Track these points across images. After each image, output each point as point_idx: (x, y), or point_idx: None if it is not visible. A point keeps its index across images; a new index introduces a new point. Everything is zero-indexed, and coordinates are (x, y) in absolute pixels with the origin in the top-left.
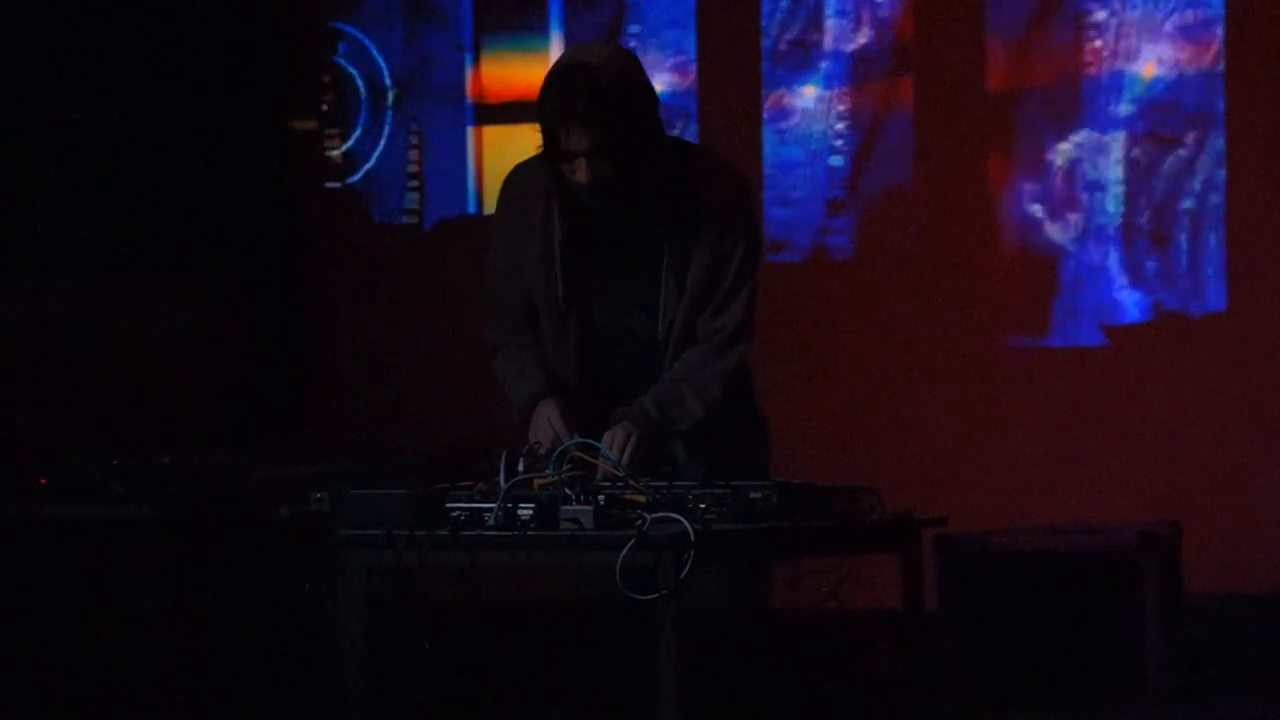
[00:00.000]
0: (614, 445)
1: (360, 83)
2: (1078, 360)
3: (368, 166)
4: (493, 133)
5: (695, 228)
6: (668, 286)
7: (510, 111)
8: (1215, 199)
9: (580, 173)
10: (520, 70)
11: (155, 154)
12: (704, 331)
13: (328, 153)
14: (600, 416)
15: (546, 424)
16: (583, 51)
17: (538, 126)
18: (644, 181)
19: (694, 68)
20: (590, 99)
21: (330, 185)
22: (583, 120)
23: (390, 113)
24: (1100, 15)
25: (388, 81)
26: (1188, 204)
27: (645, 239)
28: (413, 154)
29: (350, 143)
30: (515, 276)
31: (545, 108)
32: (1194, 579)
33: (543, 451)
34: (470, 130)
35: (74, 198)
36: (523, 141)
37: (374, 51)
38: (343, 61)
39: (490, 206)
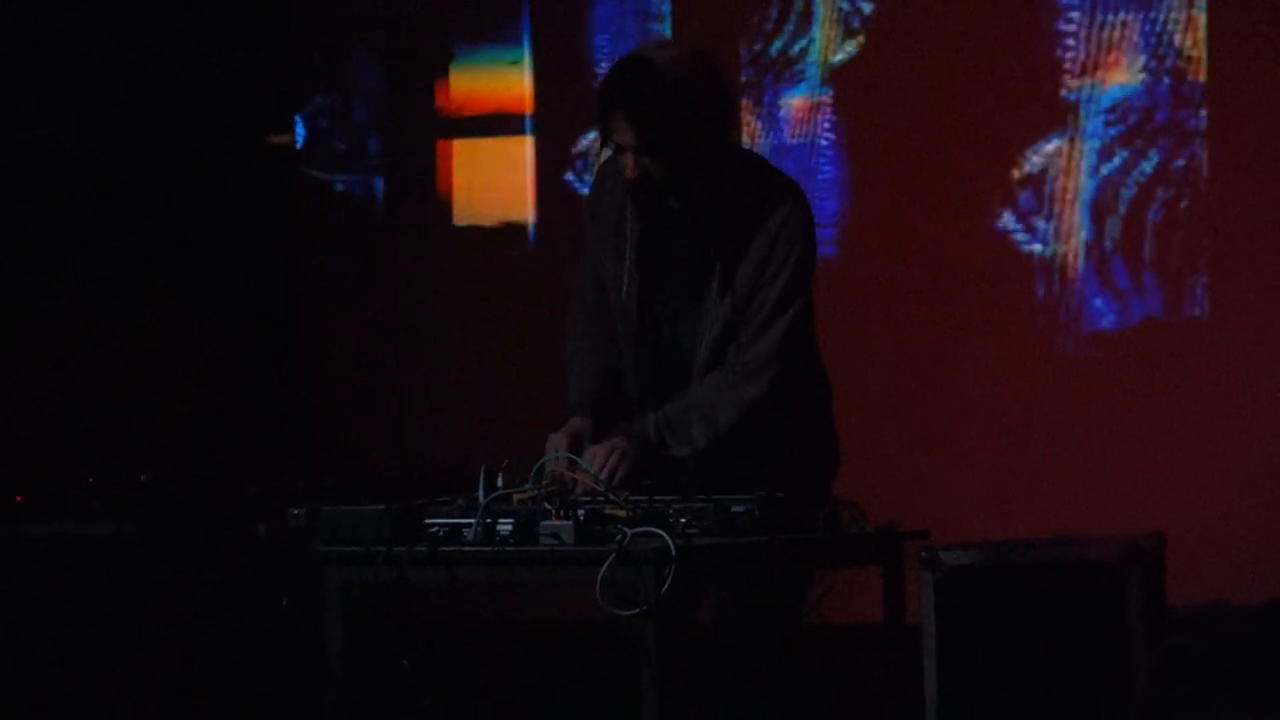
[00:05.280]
0: (595, 460)
1: (333, 97)
2: (1058, 370)
3: (341, 179)
4: (462, 146)
5: (746, 246)
6: (711, 302)
7: (480, 125)
8: (1196, 206)
9: (629, 167)
10: (491, 84)
11: (132, 172)
12: (732, 358)
13: (304, 169)
14: None
15: (553, 449)
16: (650, 48)
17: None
18: (697, 187)
19: None
20: (639, 93)
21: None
22: (630, 114)
23: (363, 128)
24: (1074, 24)
25: (359, 96)
26: (1169, 211)
27: (699, 248)
28: (384, 168)
29: (323, 157)
30: (592, 269)
31: (598, 96)
32: (1178, 590)
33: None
34: (439, 144)
35: (53, 216)
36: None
37: (347, 65)
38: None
39: (460, 220)
